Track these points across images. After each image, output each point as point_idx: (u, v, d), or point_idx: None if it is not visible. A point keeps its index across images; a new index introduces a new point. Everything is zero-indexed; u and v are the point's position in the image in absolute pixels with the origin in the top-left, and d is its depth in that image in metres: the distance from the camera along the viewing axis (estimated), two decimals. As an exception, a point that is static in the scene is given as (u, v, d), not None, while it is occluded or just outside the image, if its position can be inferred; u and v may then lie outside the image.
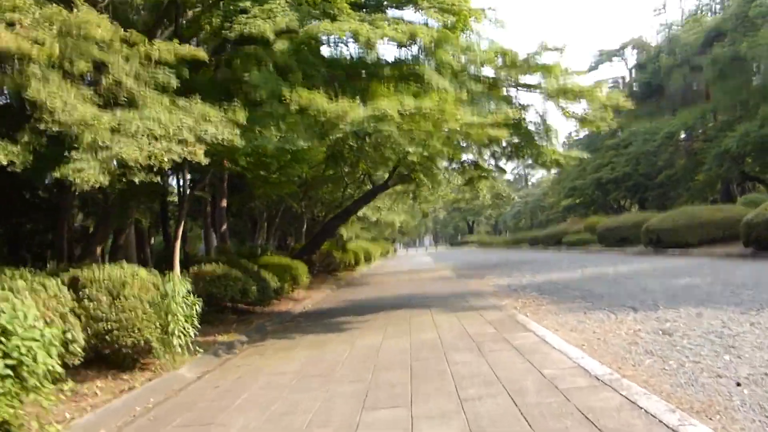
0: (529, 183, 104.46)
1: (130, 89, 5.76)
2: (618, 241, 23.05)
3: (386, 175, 21.65)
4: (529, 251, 33.86)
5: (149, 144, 5.20)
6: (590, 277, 12.24)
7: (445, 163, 13.40)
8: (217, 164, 12.58)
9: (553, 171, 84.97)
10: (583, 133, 69.44)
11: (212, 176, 28.24)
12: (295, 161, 21.45)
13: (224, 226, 29.49)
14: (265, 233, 29.86)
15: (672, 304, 7.04)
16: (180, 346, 5.69)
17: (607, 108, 9.39)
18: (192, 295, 6.02)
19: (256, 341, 7.64)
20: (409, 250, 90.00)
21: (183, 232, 27.61)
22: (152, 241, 28.43)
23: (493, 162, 12.34)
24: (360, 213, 41.12)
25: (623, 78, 58.14)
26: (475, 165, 12.71)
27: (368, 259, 32.96)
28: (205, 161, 5.66)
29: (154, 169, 5.39)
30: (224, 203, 28.82)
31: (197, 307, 5.93)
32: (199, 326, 6.21)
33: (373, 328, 7.66)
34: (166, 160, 5.22)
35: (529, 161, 12.60)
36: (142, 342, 5.26)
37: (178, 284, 5.69)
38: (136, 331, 5.21)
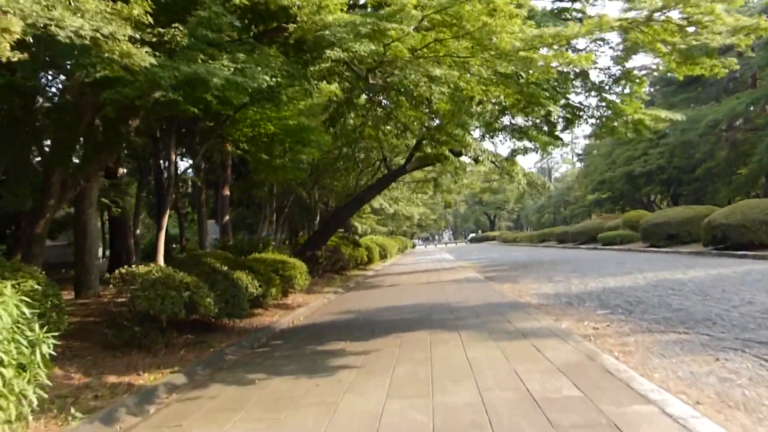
0: (553, 177, 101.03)
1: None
2: (665, 238, 20.15)
3: (403, 161, 19.04)
4: (559, 249, 30.94)
5: None
6: (661, 285, 9.48)
7: (477, 132, 10.65)
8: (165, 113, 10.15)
9: (579, 164, 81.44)
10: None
11: (213, 162, 25.91)
12: (301, 143, 18.95)
13: (226, 217, 27.16)
14: (273, 226, 27.49)
15: None
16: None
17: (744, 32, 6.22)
18: (42, 320, 3.45)
19: (196, 385, 5.07)
20: (427, 246, 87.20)
21: (180, 223, 24.78)
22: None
23: (543, 127, 9.50)
24: (376, 204, 38.47)
25: (657, 63, 54.54)
26: (520, 132, 9.88)
27: (384, 255, 30.40)
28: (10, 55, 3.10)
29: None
30: (227, 191, 26.58)
31: (47, 344, 3.34)
32: (49, 377, 3.64)
33: (373, 370, 5.04)
34: None
35: (589, 128, 9.80)
36: None
37: (9, 305, 3.10)
38: None
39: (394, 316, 8.58)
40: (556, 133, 9.71)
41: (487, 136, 10.76)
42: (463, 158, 21.80)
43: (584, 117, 8.04)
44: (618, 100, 7.11)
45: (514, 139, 10.06)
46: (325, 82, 8.44)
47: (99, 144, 8.77)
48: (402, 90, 6.95)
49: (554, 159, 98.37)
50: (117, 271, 6.23)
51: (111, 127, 9.05)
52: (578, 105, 7.37)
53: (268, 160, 20.14)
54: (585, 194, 68.50)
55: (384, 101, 9.44)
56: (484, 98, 7.32)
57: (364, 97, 10.27)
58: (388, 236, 47.51)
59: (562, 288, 10.49)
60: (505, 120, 9.40)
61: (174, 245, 28.67)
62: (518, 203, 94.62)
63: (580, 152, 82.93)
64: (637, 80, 7.10)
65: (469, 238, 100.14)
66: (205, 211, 22.49)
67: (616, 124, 7.46)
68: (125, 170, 21.40)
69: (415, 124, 9.08)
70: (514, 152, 11.06)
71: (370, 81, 6.52)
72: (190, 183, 30.75)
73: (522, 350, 5.21)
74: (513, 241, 54.89)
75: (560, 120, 8.63)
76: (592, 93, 6.96)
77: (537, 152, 10.68)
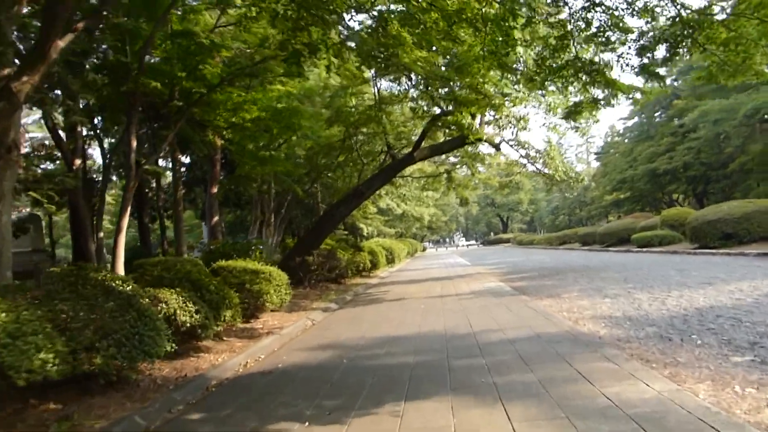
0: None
1: None
2: (721, 238, 17.09)
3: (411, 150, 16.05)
4: (586, 252, 27.82)
5: None
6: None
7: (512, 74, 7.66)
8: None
9: (597, 163, 78.30)
10: (631, 122, 62.96)
11: (201, 156, 23.15)
12: (290, 129, 16.10)
13: (215, 218, 24.45)
14: (272, 227, 24.69)
15: None
16: None
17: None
18: None
19: None
20: (438, 249, 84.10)
21: (161, 224, 21.88)
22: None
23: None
24: (383, 205, 35.52)
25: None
26: (591, 70, 6.80)
27: (391, 260, 27.47)
28: None
29: None
30: (215, 189, 23.88)
31: None
32: None
33: None
34: None
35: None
36: None
37: None
38: None
39: (394, 360, 5.66)
40: (654, 68, 6.69)
41: (541, 80, 7.71)
42: (483, 148, 18.89)
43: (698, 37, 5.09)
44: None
45: (578, 85, 7.01)
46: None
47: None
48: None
49: (569, 159, 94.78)
50: None
51: None
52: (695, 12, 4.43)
53: (253, 150, 17.34)
54: (603, 195, 65.26)
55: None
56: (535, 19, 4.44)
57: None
58: (397, 239, 44.60)
59: (629, 307, 7.52)
60: (565, 56, 6.43)
61: (159, 250, 25.95)
62: (532, 205, 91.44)
63: (597, 151, 79.63)
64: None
65: (481, 240, 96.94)
66: (181, 211, 19.71)
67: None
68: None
69: (424, 67, 6.28)
70: (576, 108, 7.98)
71: None
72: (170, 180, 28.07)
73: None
74: (529, 244, 51.75)
75: (663, 44, 5.68)
76: None
77: (609, 104, 7.70)
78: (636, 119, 60.80)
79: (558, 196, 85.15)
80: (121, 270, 10.03)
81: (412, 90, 12.34)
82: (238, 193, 27.53)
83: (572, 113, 8.16)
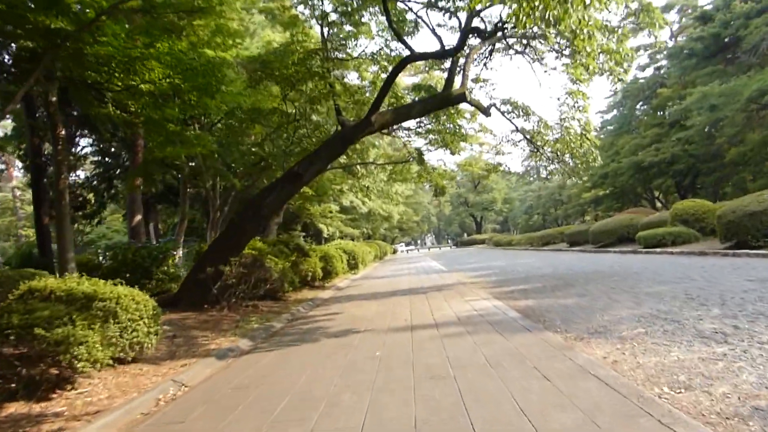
0: (541, 175, 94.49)
1: None
2: (766, 234, 13.44)
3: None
4: (579, 253, 24.03)
5: None
6: None
7: None
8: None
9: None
10: (610, 115, 60.03)
11: (114, 139, 18.64)
12: (206, 93, 11.84)
13: (137, 217, 20.14)
14: (214, 226, 20.27)
15: None
16: None
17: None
18: None
19: None
20: (409, 251, 79.98)
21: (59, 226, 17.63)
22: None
23: None
24: (346, 202, 31.23)
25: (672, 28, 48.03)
26: None
27: (354, 265, 23.28)
28: None
29: None
30: (138, 182, 19.60)
31: None
32: None
33: None
34: None
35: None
36: None
37: None
38: None
39: None
40: None
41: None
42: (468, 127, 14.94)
43: None
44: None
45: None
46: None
47: None
48: None
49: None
50: None
51: None
52: None
53: (159, 121, 12.91)
54: (581, 192, 62.13)
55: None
56: None
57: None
58: (365, 241, 40.30)
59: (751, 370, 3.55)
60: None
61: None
62: (506, 204, 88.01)
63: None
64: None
65: (454, 241, 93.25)
66: (65, 206, 15.21)
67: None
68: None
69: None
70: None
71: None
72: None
73: None
74: (507, 245, 48.09)
75: None
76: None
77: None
78: (615, 112, 57.89)
79: (532, 195, 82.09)
80: None
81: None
82: (174, 188, 23.08)
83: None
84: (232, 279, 10.20)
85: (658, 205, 52.04)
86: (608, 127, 59.39)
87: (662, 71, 47.21)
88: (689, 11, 44.33)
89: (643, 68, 49.33)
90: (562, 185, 70.21)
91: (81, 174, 24.10)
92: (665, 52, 41.39)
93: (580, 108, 11.46)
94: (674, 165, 41.97)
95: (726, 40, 34.64)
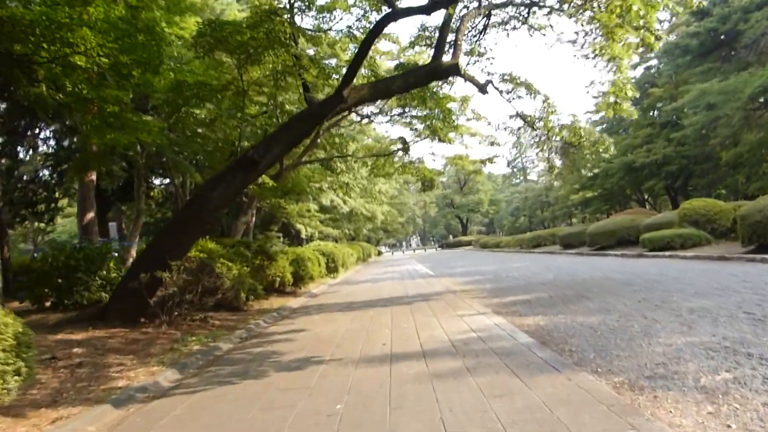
0: (528, 177, 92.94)
1: None
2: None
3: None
4: (574, 256, 22.34)
5: None
6: None
7: None
8: None
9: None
10: (599, 115, 58.70)
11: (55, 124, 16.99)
12: (147, 65, 9.90)
13: (89, 214, 18.20)
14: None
15: None
16: None
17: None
18: None
19: None
20: (394, 253, 78.10)
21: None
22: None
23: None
24: (326, 201, 29.26)
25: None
26: None
27: (333, 268, 21.41)
28: None
29: None
30: (93, 176, 17.79)
31: None
32: None
33: None
34: None
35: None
36: None
37: None
38: None
39: None
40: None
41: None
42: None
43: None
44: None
45: None
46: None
47: None
48: None
49: (529, 157, 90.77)
50: None
51: None
52: None
53: (74, 90, 10.86)
54: (569, 194, 60.72)
55: None
56: None
57: None
58: (348, 242, 38.36)
59: None
60: None
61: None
62: (492, 205, 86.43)
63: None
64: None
65: (439, 243, 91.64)
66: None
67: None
68: None
69: None
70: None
71: None
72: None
73: None
74: (495, 247, 46.43)
75: None
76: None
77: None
78: (603, 112, 56.51)
79: (518, 197, 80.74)
80: None
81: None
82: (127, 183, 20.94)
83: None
84: (173, 288, 8.29)
85: (648, 207, 50.81)
86: (597, 128, 58.13)
87: (653, 70, 45.99)
88: (682, 9, 43.07)
89: (633, 67, 48.01)
90: (549, 187, 68.92)
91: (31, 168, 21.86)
92: (657, 50, 40.01)
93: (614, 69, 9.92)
94: (666, 166, 40.69)
95: (723, 36, 33.30)
